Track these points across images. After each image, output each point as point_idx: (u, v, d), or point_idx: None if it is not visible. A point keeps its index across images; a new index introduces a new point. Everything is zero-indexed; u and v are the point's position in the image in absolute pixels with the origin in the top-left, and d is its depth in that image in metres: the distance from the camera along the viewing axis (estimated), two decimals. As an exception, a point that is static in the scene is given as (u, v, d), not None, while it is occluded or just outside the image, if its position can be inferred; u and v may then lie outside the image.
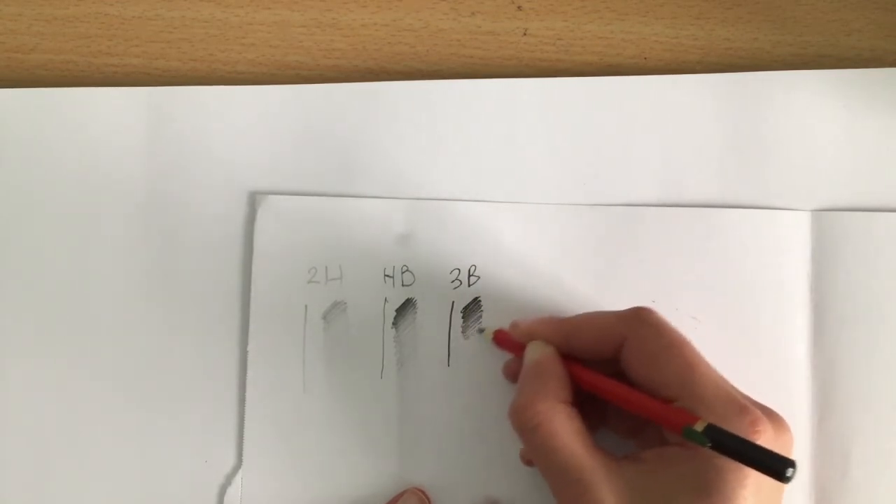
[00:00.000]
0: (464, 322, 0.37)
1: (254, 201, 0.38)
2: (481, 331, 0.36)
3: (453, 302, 0.37)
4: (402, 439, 0.36)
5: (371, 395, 0.37)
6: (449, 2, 0.40)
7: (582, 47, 0.39)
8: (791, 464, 0.25)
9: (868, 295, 0.35)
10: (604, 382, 0.31)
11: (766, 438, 0.27)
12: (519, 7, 0.39)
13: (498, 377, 0.36)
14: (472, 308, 0.37)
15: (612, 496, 0.28)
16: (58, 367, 0.38)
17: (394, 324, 0.37)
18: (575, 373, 0.32)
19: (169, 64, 0.40)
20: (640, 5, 0.39)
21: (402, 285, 0.37)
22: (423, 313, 0.37)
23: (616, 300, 0.36)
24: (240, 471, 0.37)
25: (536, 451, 0.30)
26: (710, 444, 0.27)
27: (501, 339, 0.35)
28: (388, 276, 0.37)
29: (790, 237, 0.36)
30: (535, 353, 0.33)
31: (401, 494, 0.35)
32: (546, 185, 0.37)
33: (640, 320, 0.31)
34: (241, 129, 0.39)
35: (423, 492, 0.36)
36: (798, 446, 0.34)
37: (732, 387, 0.30)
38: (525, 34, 0.39)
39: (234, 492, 0.37)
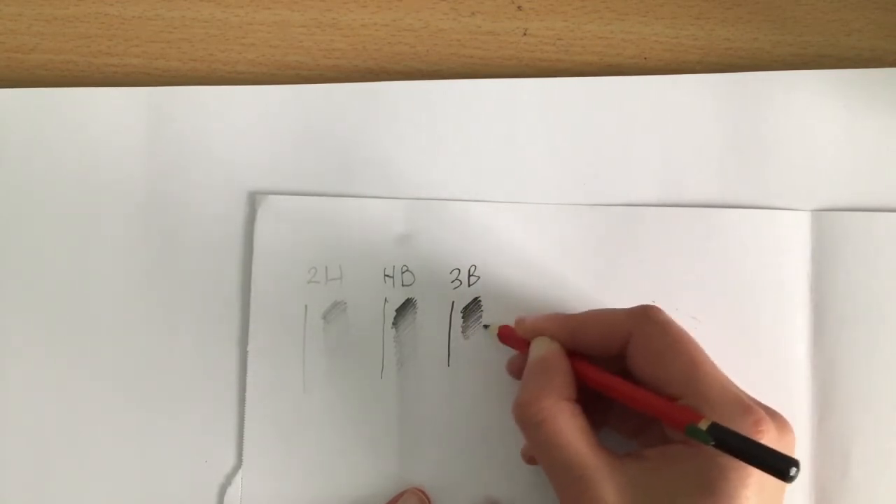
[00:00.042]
0: (464, 322, 0.37)
1: (254, 201, 0.38)
2: (486, 326, 0.36)
3: (453, 302, 0.37)
4: (402, 439, 0.36)
5: (371, 395, 0.37)
6: (449, 2, 0.40)
7: (582, 47, 0.39)
8: (794, 463, 0.25)
9: (868, 295, 0.35)
10: (608, 379, 0.31)
11: (769, 438, 0.27)
12: (519, 7, 0.39)
13: (498, 377, 0.36)
14: (472, 308, 0.37)
15: (615, 494, 0.28)
16: (58, 367, 0.38)
17: (394, 324, 0.37)
18: (580, 369, 0.32)
19: (169, 64, 0.40)
20: (640, 5, 0.39)
21: (402, 285, 0.37)
22: (423, 313, 0.37)
23: (616, 300, 0.36)
24: (240, 471, 0.37)
25: (539, 448, 0.30)
26: (713, 443, 0.27)
27: (506, 335, 0.35)
28: (388, 276, 0.37)
29: (790, 237, 0.36)
30: (541, 349, 0.32)
31: (401, 494, 0.35)
32: (546, 185, 0.37)
33: (647, 318, 0.31)
34: (241, 129, 0.39)
35: (423, 492, 0.36)
36: (798, 446, 0.34)
37: (737, 386, 0.30)
38: (525, 34, 0.39)
39: (234, 492, 0.37)
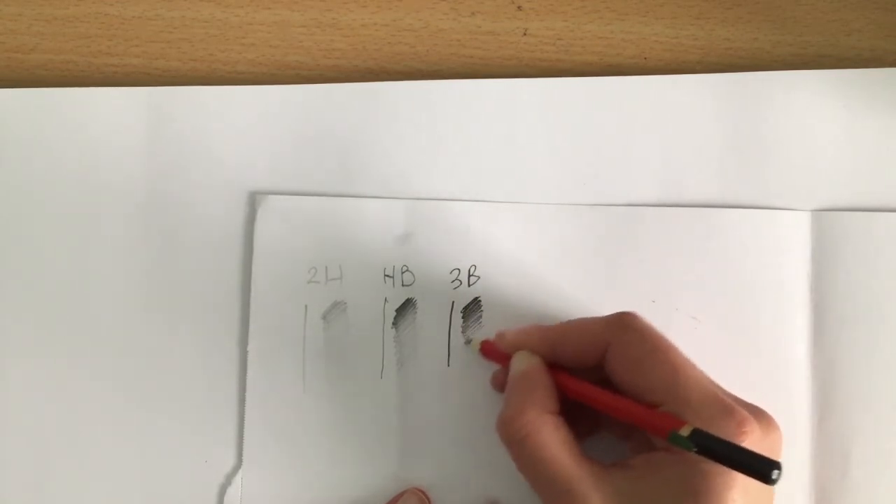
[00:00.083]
0: (464, 322, 0.37)
1: (254, 201, 0.38)
2: (468, 342, 0.36)
3: (453, 302, 0.37)
4: (402, 439, 0.36)
5: (371, 395, 0.37)
6: (449, 2, 0.40)
7: (582, 47, 0.39)
8: (776, 466, 0.25)
9: (868, 295, 0.35)
10: (590, 390, 0.31)
11: (753, 439, 0.27)
12: (519, 7, 0.39)
13: (498, 377, 0.36)
14: (472, 308, 0.37)
15: None
16: (58, 367, 0.38)
17: (394, 324, 0.37)
18: (561, 382, 0.32)
19: (169, 64, 0.40)
20: (640, 5, 0.39)
21: (402, 285, 0.37)
22: (423, 313, 0.37)
23: (616, 300, 0.36)
24: (240, 471, 0.37)
25: (524, 463, 0.30)
26: (695, 449, 0.27)
27: (488, 350, 0.35)
28: (388, 276, 0.37)
29: (790, 237, 0.36)
30: (521, 363, 0.32)
31: (401, 494, 0.35)
32: (546, 185, 0.37)
33: (624, 326, 0.31)
34: (241, 129, 0.39)
35: (423, 492, 0.36)
36: (798, 446, 0.34)
37: (719, 388, 0.30)
38: (525, 34, 0.39)
39: (234, 492, 0.37)
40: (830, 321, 0.35)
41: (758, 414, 0.29)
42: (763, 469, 0.25)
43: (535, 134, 0.38)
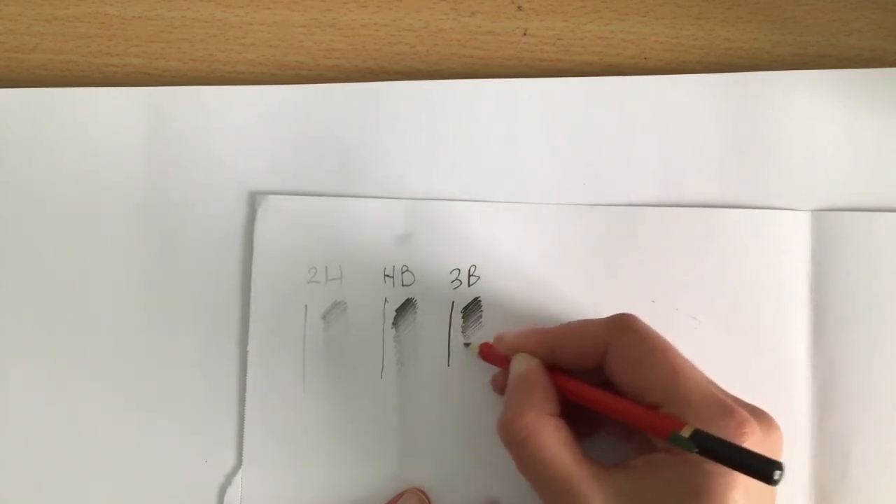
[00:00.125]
0: (464, 322, 0.37)
1: (254, 201, 0.38)
2: (467, 345, 0.36)
3: (453, 302, 0.37)
4: (402, 439, 0.36)
5: (371, 395, 0.37)
6: (449, 2, 0.40)
7: (582, 47, 0.39)
8: (778, 466, 0.25)
9: (868, 295, 0.35)
10: (589, 392, 0.31)
11: (753, 440, 0.27)
12: (519, 7, 0.39)
13: (498, 377, 0.36)
14: (472, 308, 0.37)
15: None
16: (58, 367, 0.38)
17: (394, 324, 0.37)
18: (560, 383, 0.32)
19: (169, 64, 0.40)
20: (640, 5, 0.39)
21: (402, 285, 0.37)
22: (423, 313, 0.37)
23: (616, 300, 0.36)
24: (240, 471, 0.37)
25: (525, 465, 0.30)
26: (696, 450, 0.27)
27: (487, 353, 0.35)
28: (388, 276, 0.37)
29: (790, 237, 0.36)
30: (521, 366, 0.32)
31: (401, 494, 0.35)
32: (546, 185, 0.37)
33: (623, 327, 0.31)
34: (241, 129, 0.39)
35: (423, 492, 0.36)
36: (798, 446, 0.34)
37: (719, 388, 0.30)
38: (525, 34, 0.39)
39: (234, 492, 0.37)
40: (830, 321, 0.35)
41: (758, 414, 0.29)
42: (765, 469, 0.25)
43: (535, 134, 0.38)
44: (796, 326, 0.35)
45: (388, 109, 0.38)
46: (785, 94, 0.37)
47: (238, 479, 0.37)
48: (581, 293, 0.36)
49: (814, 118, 0.36)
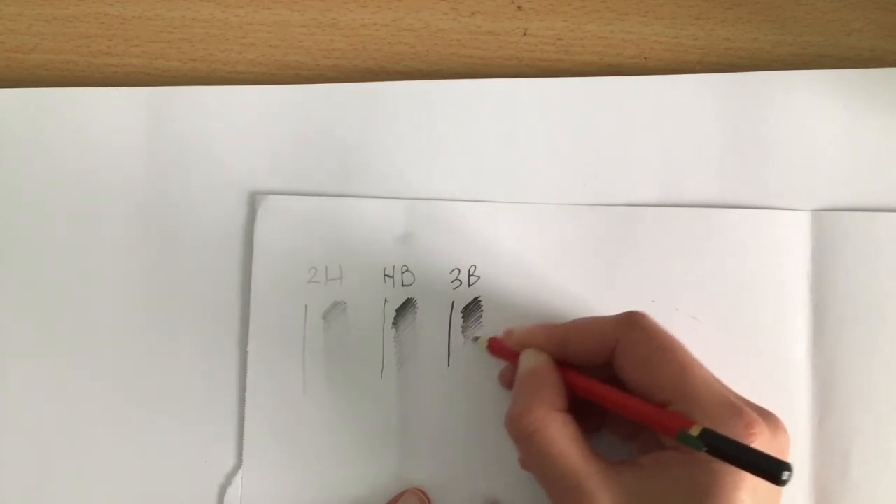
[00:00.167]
0: (464, 322, 0.37)
1: (254, 201, 0.38)
2: (476, 339, 0.36)
3: (453, 302, 0.37)
4: (402, 439, 0.36)
5: (371, 395, 0.37)
6: (449, 2, 0.40)
7: (582, 47, 0.39)
8: (787, 467, 0.25)
9: (868, 295, 0.35)
10: (598, 388, 0.31)
11: (762, 441, 0.27)
12: (519, 7, 0.39)
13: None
14: (472, 308, 0.37)
15: (609, 502, 0.28)
16: (58, 367, 0.38)
17: (394, 324, 0.37)
18: (570, 379, 0.32)
19: (169, 64, 0.40)
20: (640, 5, 0.39)
21: (402, 285, 0.37)
22: (423, 313, 0.37)
23: (616, 300, 0.36)
24: (240, 471, 0.37)
25: (533, 459, 0.30)
26: (705, 449, 0.27)
27: (496, 347, 0.35)
28: (388, 276, 0.37)
29: (790, 237, 0.36)
30: (530, 361, 0.32)
31: (401, 494, 0.35)
32: (546, 185, 0.37)
33: (633, 324, 0.31)
34: (241, 129, 0.39)
35: (423, 492, 0.36)
36: (798, 446, 0.34)
37: (727, 389, 0.30)
38: (525, 34, 0.39)
39: (234, 492, 0.37)
40: (830, 321, 0.35)
41: (766, 416, 0.29)
42: (773, 470, 0.25)
43: (535, 134, 0.38)
44: (796, 326, 0.35)
45: (388, 109, 0.38)
46: (785, 94, 0.37)
47: (238, 479, 0.37)
48: (581, 293, 0.36)
49: (814, 118, 0.36)
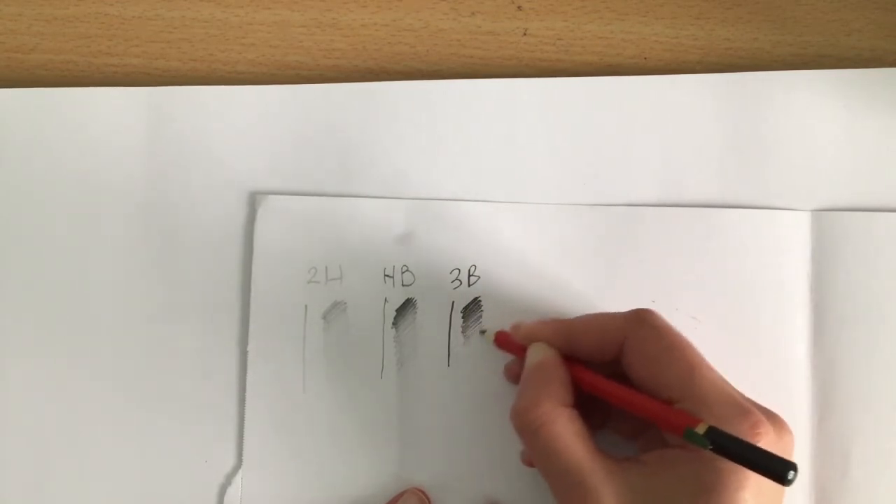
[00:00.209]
0: (464, 322, 0.37)
1: (254, 201, 0.38)
2: (483, 332, 0.36)
3: (453, 302, 0.37)
4: (402, 439, 0.36)
5: (371, 395, 0.37)
6: (449, 2, 0.40)
7: (582, 47, 0.39)
8: (792, 467, 0.25)
9: (868, 295, 0.35)
10: (605, 384, 0.31)
11: (767, 441, 0.27)
12: (519, 7, 0.39)
13: (498, 377, 0.36)
14: (472, 308, 0.37)
15: (614, 499, 0.28)
16: (58, 367, 0.38)
17: (394, 324, 0.37)
18: (576, 375, 0.32)
19: (169, 64, 0.40)
20: (640, 5, 0.39)
21: (402, 285, 0.37)
22: (423, 313, 0.37)
23: (616, 300, 0.36)
24: (240, 471, 0.37)
25: (538, 454, 0.30)
26: (711, 447, 0.27)
27: (503, 341, 0.35)
28: (388, 276, 0.37)
29: (790, 237, 0.36)
30: (537, 355, 0.32)
31: (401, 494, 0.35)
32: (546, 185, 0.37)
33: (641, 321, 0.31)
34: (241, 129, 0.39)
35: (423, 492, 0.36)
36: (798, 446, 0.34)
37: (734, 389, 0.30)
38: (525, 34, 0.39)
39: (234, 492, 0.37)
40: (830, 321, 0.35)
41: (772, 417, 0.29)
42: (779, 469, 0.25)
43: (535, 134, 0.38)
44: (796, 326, 0.35)
45: (388, 109, 0.38)
46: (785, 94, 0.37)
47: (238, 479, 0.37)
48: (581, 293, 0.36)
49: (814, 118, 0.36)
